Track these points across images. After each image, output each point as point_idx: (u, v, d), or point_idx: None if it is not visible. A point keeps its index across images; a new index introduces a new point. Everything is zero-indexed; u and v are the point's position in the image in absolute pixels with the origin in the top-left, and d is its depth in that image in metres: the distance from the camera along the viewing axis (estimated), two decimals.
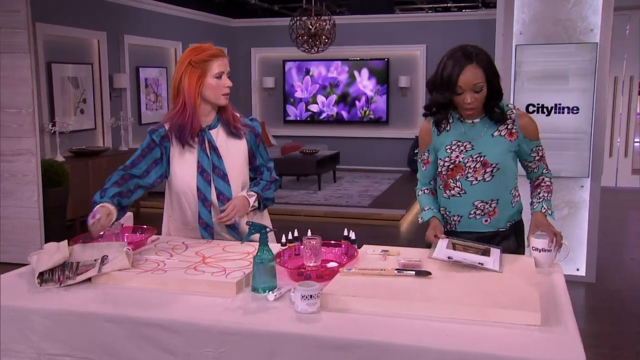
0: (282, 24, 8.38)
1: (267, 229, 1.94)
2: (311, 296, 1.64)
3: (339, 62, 10.11)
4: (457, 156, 2.25)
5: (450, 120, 2.29)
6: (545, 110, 4.53)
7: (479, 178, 2.25)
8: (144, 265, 2.04)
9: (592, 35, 4.44)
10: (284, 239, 2.18)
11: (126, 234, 2.41)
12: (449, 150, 2.27)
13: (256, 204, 2.44)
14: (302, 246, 2.08)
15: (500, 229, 2.31)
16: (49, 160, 5.79)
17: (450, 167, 2.27)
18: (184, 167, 2.35)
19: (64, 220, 5.71)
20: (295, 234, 2.22)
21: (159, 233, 2.50)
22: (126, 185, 2.30)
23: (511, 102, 4.58)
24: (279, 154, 9.43)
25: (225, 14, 10.23)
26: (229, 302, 1.77)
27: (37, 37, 6.16)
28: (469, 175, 2.26)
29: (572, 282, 4.62)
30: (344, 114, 10.21)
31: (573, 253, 4.64)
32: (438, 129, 2.29)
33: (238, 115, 2.48)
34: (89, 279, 1.94)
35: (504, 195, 2.31)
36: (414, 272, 1.83)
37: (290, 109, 10.49)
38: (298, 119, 10.46)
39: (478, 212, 2.28)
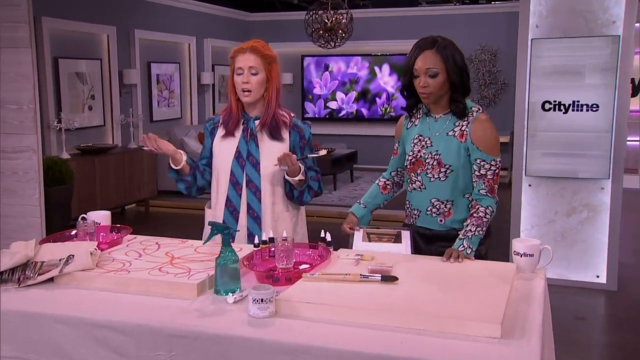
0: (300, 17, 8.36)
1: (230, 230, 1.93)
2: (262, 300, 1.63)
3: (359, 58, 10.08)
4: (419, 151, 2.34)
5: (419, 115, 2.38)
6: (562, 107, 4.46)
7: (436, 176, 2.31)
8: (109, 265, 2.06)
9: (614, 27, 4.34)
10: (257, 240, 2.18)
11: (102, 234, 2.44)
12: (412, 144, 2.36)
13: (302, 177, 2.47)
14: (274, 248, 2.08)
15: (455, 229, 2.33)
16: (53, 157, 5.89)
17: (412, 161, 2.36)
18: (225, 150, 2.53)
19: (67, 219, 5.80)
20: (270, 234, 2.22)
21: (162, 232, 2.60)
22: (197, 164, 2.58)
23: (526, 99, 4.52)
24: None
25: (241, 8, 10.28)
26: (187, 304, 1.78)
27: (43, 31, 6.28)
28: (428, 171, 2.32)
29: (591, 290, 4.56)
30: (364, 111, 10.17)
31: (593, 259, 4.55)
32: (410, 117, 2.40)
33: (290, 115, 2.57)
34: (51, 279, 1.96)
35: (458, 199, 2.32)
36: (379, 278, 1.82)
37: (309, 106, 10.49)
38: (317, 116, 10.46)
39: (434, 210, 2.34)
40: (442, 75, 2.22)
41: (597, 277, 4.58)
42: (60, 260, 2.02)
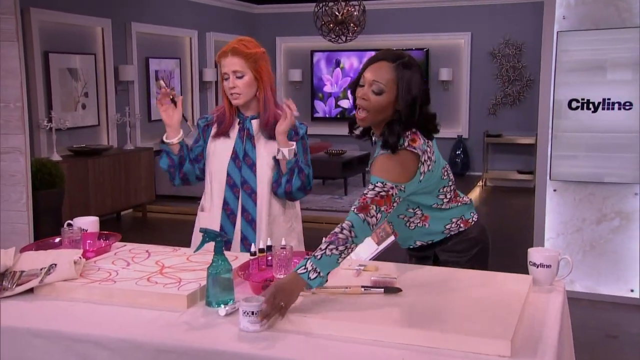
0: (309, 10, 8.38)
1: (223, 237, 1.93)
2: (253, 313, 1.63)
3: (373, 53, 10.04)
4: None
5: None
6: (591, 106, 4.42)
7: None
8: (94, 275, 2.06)
9: None
10: (253, 248, 2.18)
11: (88, 241, 2.44)
12: None
13: (292, 154, 2.49)
14: (271, 257, 2.08)
15: (410, 246, 2.35)
16: (42, 159, 5.92)
17: None
18: (220, 151, 2.59)
19: (58, 225, 5.83)
20: (269, 242, 2.22)
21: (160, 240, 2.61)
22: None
23: (551, 97, 4.49)
24: None
25: (246, 0, 10.32)
26: (176, 317, 1.78)
27: (32, 23, 6.32)
28: None
29: (624, 305, 4.51)
30: None
31: (626, 271, 4.51)
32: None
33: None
34: (31, 290, 1.97)
35: (394, 219, 2.30)
36: (382, 290, 1.82)
37: (319, 105, 10.50)
38: (327, 115, 10.46)
39: (382, 231, 2.37)
40: (386, 96, 2.05)
41: (632, 291, 4.53)
42: (41, 269, 2.03)
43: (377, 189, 1.96)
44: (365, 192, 1.97)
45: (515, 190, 9.12)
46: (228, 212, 2.57)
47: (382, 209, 1.93)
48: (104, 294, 1.93)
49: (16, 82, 4.98)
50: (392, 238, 2.43)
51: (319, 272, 1.76)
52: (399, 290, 1.83)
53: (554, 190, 4.61)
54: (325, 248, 1.81)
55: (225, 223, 2.56)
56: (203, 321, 1.75)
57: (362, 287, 1.84)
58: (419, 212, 2.24)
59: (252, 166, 2.56)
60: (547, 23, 4.51)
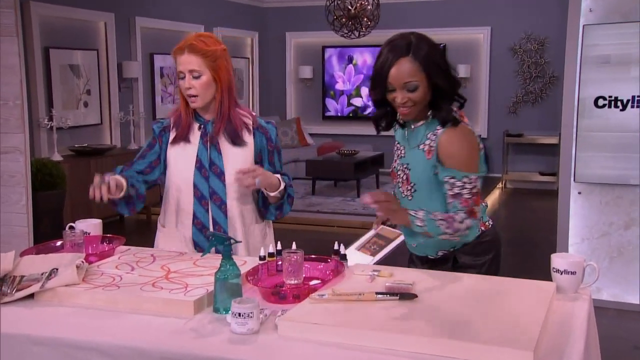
0: (321, 4, 8.37)
1: (232, 240, 1.94)
2: (240, 314, 1.67)
3: None
4: (395, 160, 2.33)
5: (392, 122, 2.31)
6: (619, 104, 4.39)
7: (405, 193, 2.27)
8: (97, 280, 2.07)
9: None
10: (262, 253, 2.18)
11: (91, 245, 2.46)
12: (394, 149, 2.36)
13: (282, 192, 2.49)
14: (281, 261, 2.08)
15: (430, 256, 2.34)
16: (43, 159, 5.96)
17: (390, 170, 2.36)
18: (182, 159, 2.49)
19: (59, 227, 5.86)
20: (279, 246, 2.22)
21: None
22: (131, 174, 2.51)
23: (576, 94, 4.46)
24: (315, 155, 9.47)
25: None
26: (182, 323, 1.79)
27: (32, 18, 6.36)
28: (399, 184, 2.30)
29: None
30: None
31: None
32: (377, 128, 2.31)
33: (252, 115, 2.55)
34: (31, 296, 1.98)
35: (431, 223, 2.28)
36: (397, 296, 1.82)
37: (331, 103, 10.51)
38: (339, 114, 10.47)
39: (407, 230, 2.28)
40: (423, 86, 2.11)
41: None
42: (42, 274, 2.04)
43: (468, 185, 2.12)
44: (457, 191, 2.12)
45: (536, 193, 9.08)
46: (199, 226, 2.49)
47: (481, 204, 2.20)
48: (107, 299, 1.93)
49: (16, 79, 5.00)
50: (386, 250, 2.42)
51: (425, 223, 2.09)
52: (414, 296, 1.82)
53: (579, 193, 4.59)
54: (439, 219, 2.10)
55: (199, 239, 2.49)
56: (210, 328, 1.75)
57: (376, 293, 1.83)
58: None
59: (221, 175, 2.47)
60: (573, 16, 4.48)
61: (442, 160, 2.14)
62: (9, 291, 1.96)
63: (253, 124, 2.53)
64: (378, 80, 2.14)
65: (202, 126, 2.49)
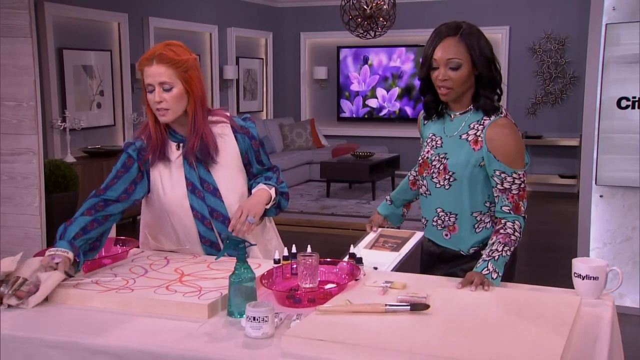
0: (336, 4, 8.38)
1: (246, 243, 1.94)
2: (254, 318, 1.67)
3: (403, 49, 10.05)
4: (428, 151, 2.35)
5: (439, 110, 2.37)
6: None
7: (441, 182, 2.31)
8: (110, 282, 2.08)
9: None
10: (277, 256, 2.18)
11: (106, 247, 2.46)
12: (425, 144, 2.38)
13: (276, 199, 2.47)
14: (296, 265, 2.08)
15: (462, 252, 2.33)
16: (55, 161, 5.99)
17: (420, 162, 2.38)
18: (168, 183, 2.39)
19: None
20: (293, 250, 2.22)
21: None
22: (96, 218, 2.26)
23: (598, 95, 4.43)
24: (329, 157, 9.46)
25: None
26: (196, 327, 1.80)
27: (46, 19, 6.42)
28: (433, 175, 2.32)
29: None
30: (408, 110, 10.13)
31: None
32: (428, 115, 2.39)
33: (227, 116, 2.46)
34: (45, 298, 1.99)
35: (463, 214, 2.30)
36: (408, 307, 1.78)
37: (345, 104, 10.50)
38: (354, 115, 10.46)
39: (439, 221, 2.35)
40: (465, 67, 2.18)
41: None
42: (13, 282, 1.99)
43: (517, 181, 2.19)
44: (507, 187, 2.18)
45: (556, 196, 9.02)
46: (207, 244, 2.43)
47: (525, 201, 2.22)
48: (121, 302, 1.94)
49: (29, 80, 5.03)
50: (408, 247, 2.42)
51: (498, 272, 2.08)
52: (426, 306, 1.78)
53: (600, 196, 4.55)
54: (502, 250, 2.12)
55: (211, 252, 2.43)
56: (224, 332, 1.76)
57: (386, 304, 1.79)
58: (493, 208, 2.29)
59: (215, 192, 2.40)
60: (595, 14, 4.45)
61: (493, 152, 2.19)
62: (6, 292, 1.96)
63: (233, 128, 2.44)
64: (424, 59, 2.24)
65: (181, 145, 2.38)
